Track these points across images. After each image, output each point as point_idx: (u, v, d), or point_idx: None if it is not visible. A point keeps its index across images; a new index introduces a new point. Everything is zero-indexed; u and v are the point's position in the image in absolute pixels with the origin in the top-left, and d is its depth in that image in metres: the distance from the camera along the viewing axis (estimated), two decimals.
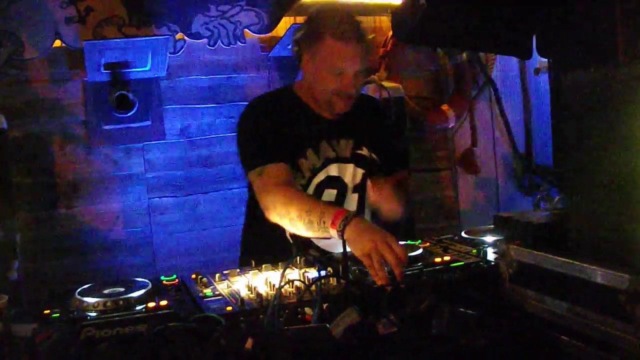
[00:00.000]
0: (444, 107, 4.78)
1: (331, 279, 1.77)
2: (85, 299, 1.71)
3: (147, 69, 3.78)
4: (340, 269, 1.81)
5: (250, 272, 1.96)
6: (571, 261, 1.46)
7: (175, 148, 4.17)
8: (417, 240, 2.31)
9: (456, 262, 1.95)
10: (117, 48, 3.61)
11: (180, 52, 3.94)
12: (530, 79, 5.06)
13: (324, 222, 1.91)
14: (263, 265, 2.00)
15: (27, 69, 3.77)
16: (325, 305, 1.59)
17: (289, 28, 4.01)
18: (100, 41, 3.60)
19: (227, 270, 1.97)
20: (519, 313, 1.61)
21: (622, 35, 2.21)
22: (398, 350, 1.38)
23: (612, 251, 1.42)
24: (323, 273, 1.77)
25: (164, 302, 1.68)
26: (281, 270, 1.74)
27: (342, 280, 1.75)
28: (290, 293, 1.71)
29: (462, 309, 1.47)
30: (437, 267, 1.92)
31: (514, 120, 5.11)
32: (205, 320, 1.55)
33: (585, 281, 1.41)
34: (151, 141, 4.09)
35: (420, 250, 2.07)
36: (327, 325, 1.44)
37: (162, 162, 4.13)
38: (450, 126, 4.80)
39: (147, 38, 3.67)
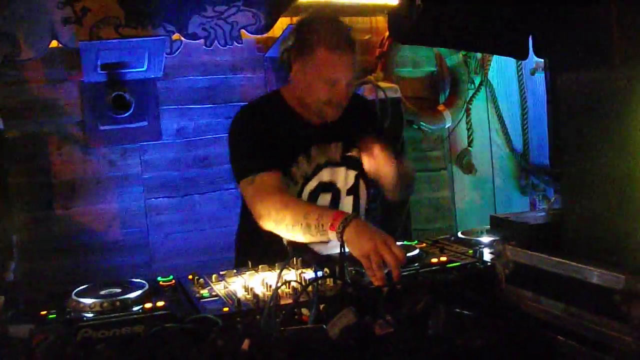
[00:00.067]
0: (440, 107, 4.79)
1: (328, 279, 1.77)
2: (82, 300, 1.71)
3: (143, 69, 3.78)
4: (337, 270, 1.82)
5: (247, 272, 1.95)
6: (567, 262, 1.47)
7: (172, 148, 4.16)
8: (413, 241, 2.31)
9: (452, 263, 1.96)
10: (114, 48, 3.60)
11: (177, 53, 3.94)
12: (527, 79, 5.06)
13: (322, 225, 1.91)
14: (260, 266, 2.00)
15: (23, 70, 3.76)
16: (321, 306, 1.59)
17: (286, 29, 4.01)
18: (97, 42, 3.60)
19: (223, 271, 1.97)
20: (515, 313, 1.62)
21: (618, 36, 2.22)
22: (394, 350, 1.38)
23: (608, 251, 1.42)
24: (320, 274, 1.78)
25: (160, 303, 1.68)
26: (278, 271, 1.74)
27: (338, 281, 1.75)
28: (286, 294, 1.71)
29: (458, 310, 1.47)
30: (433, 268, 1.92)
31: (510, 121, 5.13)
32: (202, 321, 1.55)
33: (581, 281, 1.41)
34: (148, 142, 4.09)
35: (416, 251, 2.07)
36: (324, 326, 1.44)
37: (159, 163, 4.13)
38: (446, 126, 4.81)
39: (143, 38, 3.67)
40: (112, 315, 1.62)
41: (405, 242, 2.27)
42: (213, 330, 1.45)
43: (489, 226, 2.06)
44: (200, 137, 4.21)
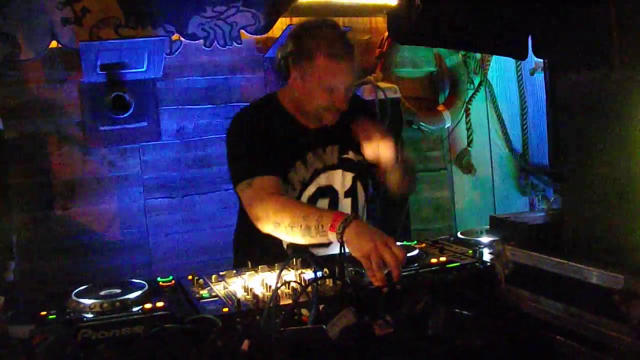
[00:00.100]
0: (440, 107, 4.79)
1: (327, 280, 1.77)
2: (82, 300, 1.71)
3: (143, 69, 3.78)
4: (337, 270, 1.82)
5: (247, 273, 1.95)
6: (566, 262, 1.47)
7: (172, 149, 4.16)
8: (413, 241, 2.31)
9: (452, 263, 1.96)
10: (113, 49, 3.60)
11: (177, 53, 3.94)
12: (526, 80, 5.07)
13: (322, 226, 1.91)
14: (259, 267, 2.00)
15: (23, 70, 3.76)
16: (321, 307, 1.59)
17: (285, 29, 4.01)
18: (97, 42, 3.60)
19: (223, 271, 1.97)
20: (515, 313, 1.62)
21: (617, 37, 2.22)
22: (394, 351, 1.38)
23: (607, 252, 1.43)
24: (319, 274, 1.78)
25: (160, 304, 1.68)
26: (277, 272, 1.74)
27: (338, 282, 1.76)
28: (286, 294, 1.71)
29: (458, 310, 1.48)
30: (433, 268, 1.92)
31: (510, 121, 5.13)
32: (202, 322, 1.55)
33: (580, 281, 1.41)
34: (147, 142, 4.09)
35: (416, 251, 2.08)
36: (324, 326, 1.44)
37: (158, 163, 4.13)
38: (446, 127, 4.81)
39: (143, 39, 3.67)
40: (112, 315, 1.62)
41: (404, 243, 2.27)
42: (213, 330, 1.46)
43: (488, 226, 2.07)
44: (200, 138, 4.21)
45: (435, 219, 4.91)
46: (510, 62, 4.98)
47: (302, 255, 1.96)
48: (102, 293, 1.78)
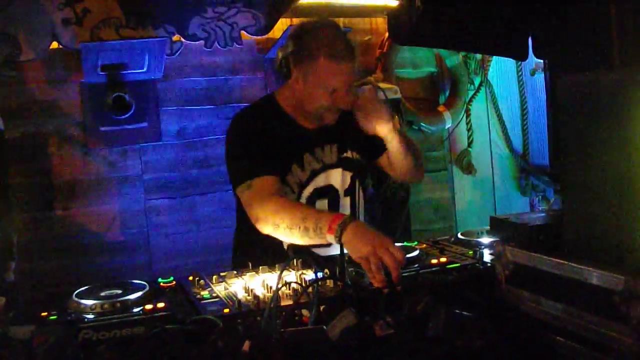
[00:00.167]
0: (440, 108, 4.79)
1: (328, 281, 1.77)
2: (83, 301, 1.71)
3: (143, 70, 3.78)
4: (337, 271, 1.82)
5: (247, 274, 1.96)
6: (566, 262, 1.47)
7: (172, 149, 4.16)
8: (413, 242, 2.32)
9: (452, 264, 1.96)
10: (114, 50, 3.61)
11: (177, 54, 3.94)
12: (527, 80, 5.07)
13: (320, 229, 1.90)
14: (260, 268, 2.00)
15: (24, 71, 3.76)
16: (322, 307, 1.59)
17: (286, 30, 4.02)
18: (97, 43, 3.60)
19: (224, 272, 1.97)
20: (515, 314, 1.62)
21: (617, 38, 2.22)
22: (394, 351, 1.38)
23: (607, 252, 1.43)
24: (320, 275, 1.78)
25: (161, 304, 1.69)
26: (278, 273, 1.74)
27: (338, 283, 1.76)
28: (287, 295, 1.72)
29: (458, 311, 1.48)
30: (433, 269, 1.93)
31: (510, 121, 5.13)
32: (203, 322, 1.55)
33: (581, 282, 1.41)
34: (148, 142, 4.09)
35: (416, 252, 2.08)
36: (324, 327, 1.44)
37: (159, 164, 4.13)
38: (446, 127, 4.81)
39: (143, 40, 3.67)
40: (113, 316, 1.63)
41: (405, 243, 2.27)
42: (214, 331, 1.46)
43: (488, 227, 2.07)
44: (200, 138, 4.21)
45: (435, 220, 4.92)
46: (510, 62, 4.98)
47: (303, 256, 1.96)
48: (103, 294, 1.78)
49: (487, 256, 2.01)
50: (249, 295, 1.75)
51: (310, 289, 1.64)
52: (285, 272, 1.84)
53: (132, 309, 1.68)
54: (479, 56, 4.90)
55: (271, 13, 3.98)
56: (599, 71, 1.50)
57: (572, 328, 1.45)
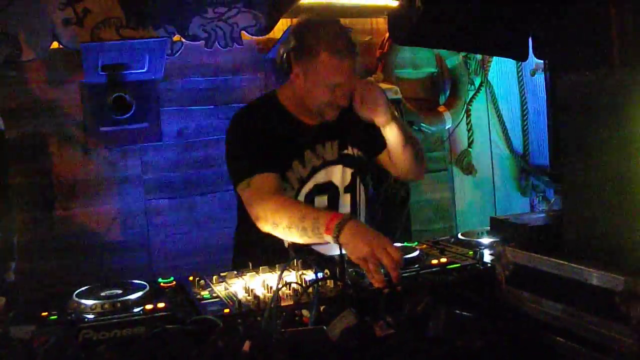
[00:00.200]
0: (441, 108, 4.79)
1: (328, 281, 1.77)
2: (83, 301, 1.71)
3: (144, 70, 3.78)
4: (337, 271, 1.82)
5: (248, 274, 1.96)
6: (567, 263, 1.47)
7: (172, 150, 4.16)
8: (413, 242, 2.32)
9: (452, 264, 1.96)
10: (115, 50, 3.61)
11: (178, 54, 3.94)
12: (527, 80, 5.07)
13: (318, 228, 1.90)
14: (260, 268, 2.01)
15: (24, 71, 3.76)
16: (322, 308, 1.59)
17: (286, 30, 4.01)
18: (98, 43, 3.60)
19: (224, 272, 1.98)
20: (515, 315, 1.62)
21: (617, 38, 2.22)
22: (395, 352, 1.38)
23: (608, 253, 1.43)
24: (320, 275, 1.78)
25: (161, 304, 1.69)
26: (278, 273, 1.74)
27: (339, 283, 1.76)
28: (287, 295, 1.72)
29: (458, 311, 1.48)
30: (433, 269, 1.93)
31: (510, 121, 5.13)
32: (203, 323, 1.55)
33: (581, 283, 1.41)
34: (148, 143, 4.09)
35: (416, 252, 2.08)
36: (324, 327, 1.44)
37: (159, 164, 4.13)
38: (446, 127, 4.81)
39: (144, 40, 3.67)
40: (113, 316, 1.63)
41: (405, 244, 2.27)
42: (214, 331, 1.46)
43: (489, 227, 2.07)
44: (201, 139, 4.21)
45: (435, 220, 4.92)
46: (510, 63, 4.98)
47: (304, 255, 1.96)
48: (103, 294, 1.78)
49: (488, 257, 2.01)
50: (249, 296, 1.75)
51: (310, 289, 1.65)
52: (285, 273, 1.84)
53: (133, 309, 1.68)
54: (479, 56, 4.90)
55: (271, 13, 3.98)
56: (599, 71, 1.50)
57: (572, 328, 1.45)
